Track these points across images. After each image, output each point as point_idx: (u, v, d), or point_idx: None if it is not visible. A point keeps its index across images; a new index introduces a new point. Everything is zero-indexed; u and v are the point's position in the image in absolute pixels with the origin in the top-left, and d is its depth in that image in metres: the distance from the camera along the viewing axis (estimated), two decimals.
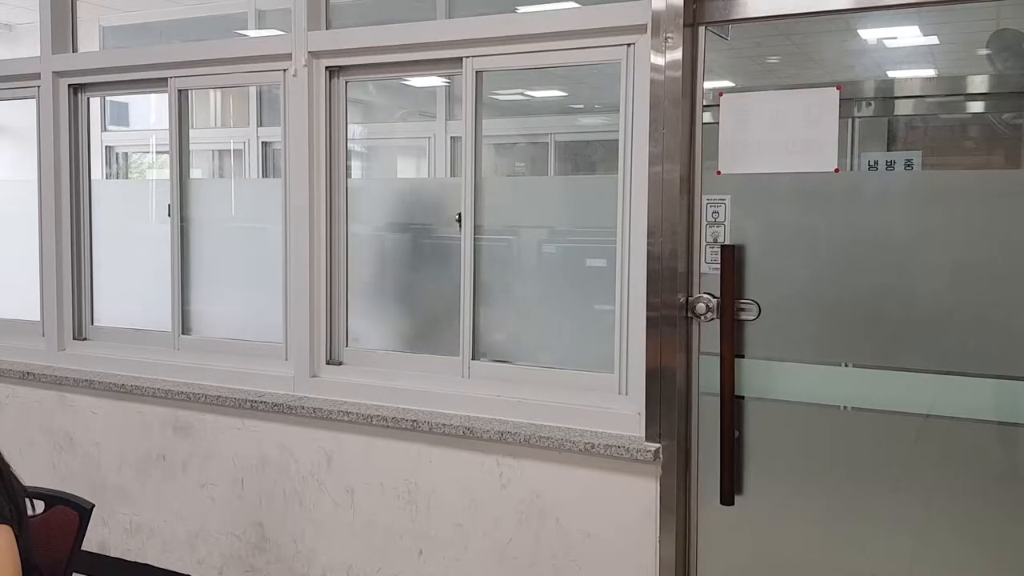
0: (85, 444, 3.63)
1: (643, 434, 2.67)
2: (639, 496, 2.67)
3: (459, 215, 3.02)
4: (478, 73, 2.96)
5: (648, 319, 2.64)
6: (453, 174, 5.07)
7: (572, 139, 5.99)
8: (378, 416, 3.03)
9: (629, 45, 2.73)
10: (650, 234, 2.62)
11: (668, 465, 2.65)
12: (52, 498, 2.19)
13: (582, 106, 6.40)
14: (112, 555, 3.58)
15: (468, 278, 3.01)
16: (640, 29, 2.68)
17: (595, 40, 2.79)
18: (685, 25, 2.59)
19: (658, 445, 2.63)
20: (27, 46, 4.30)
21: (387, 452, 3.05)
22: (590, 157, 5.85)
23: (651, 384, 2.65)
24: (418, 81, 3.71)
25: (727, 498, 2.63)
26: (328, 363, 3.28)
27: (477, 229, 3.01)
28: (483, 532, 2.91)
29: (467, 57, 2.96)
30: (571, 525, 2.78)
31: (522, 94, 5.97)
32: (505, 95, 5.56)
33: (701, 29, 2.63)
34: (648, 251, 2.63)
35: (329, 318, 3.28)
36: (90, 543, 3.57)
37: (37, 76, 3.80)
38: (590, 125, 5.95)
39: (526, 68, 2.95)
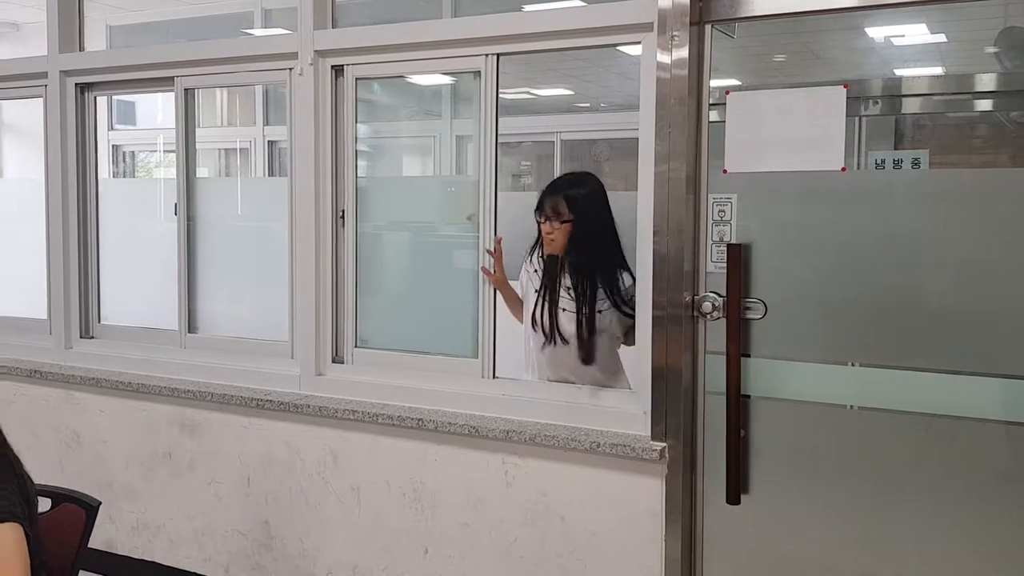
0: (92, 442, 3.64)
1: (649, 433, 2.67)
2: (645, 495, 2.67)
3: (471, 215, 3.03)
4: (496, 68, 2.95)
5: (654, 318, 2.64)
6: (458, 173, 5.08)
7: (578, 138, 5.98)
8: (384, 415, 3.03)
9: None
10: (656, 233, 2.62)
11: (674, 464, 2.64)
12: (59, 496, 2.19)
13: (588, 104, 6.39)
14: (119, 552, 3.59)
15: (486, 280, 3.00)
16: (646, 27, 2.67)
17: (602, 38, 2.79)
18: (691, 23, 2.58)
19: (664, 444, 2.63)
20: (34, 45, 4.32)
21: (393, 451, 3.05)
22: (597, 156, 5.84)
23: (657, 383, 2.65)
24: (424, 80, 3.71)
25: (733, 497, 2.63)
26: (334, 362, 3.29)
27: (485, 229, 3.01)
28: (489, 531, 2.91)
29: (480, 55, 2.95)
30: (577, 524, 2.78)
31: (528, 92, 5.96)
32: (511, 94, 5.55)
33: (707, 27, 2.62)
34: (654, 250, 2.62)
35: (335, 317, 3.28)
36: (97, 541, 3.58)
37: (44, 75, 3.81)
38: (597, 123, 5.94)
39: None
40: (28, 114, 5.08)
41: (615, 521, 2.72)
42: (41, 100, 3.87)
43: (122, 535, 3.58)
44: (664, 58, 2.61)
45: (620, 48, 2.97)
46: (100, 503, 2.17)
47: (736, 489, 2.62)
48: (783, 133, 2.52)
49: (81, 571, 2.14)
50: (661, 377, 2.64)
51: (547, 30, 2.85)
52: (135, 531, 3.56)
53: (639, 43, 2.72)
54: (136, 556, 3.56)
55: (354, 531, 3.13)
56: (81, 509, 2.15)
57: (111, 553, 3.58)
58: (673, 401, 2.64)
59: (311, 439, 3.20)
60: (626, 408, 2.77)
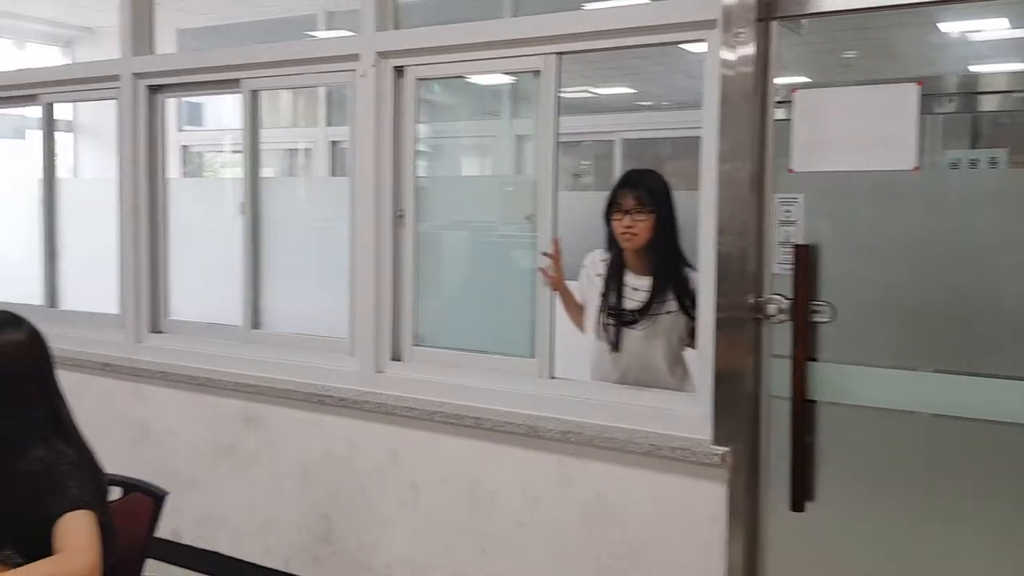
0: (160, 434, 3.73)
1: (710, 437, 2.62)
2: (706, 500, 2.62)
3: (529, 215, 3.01)
4: (557, 67, 2.93)
5: (717, 320, 2.59)
6: (517, 172, 5.07)
7: (639, 137, 5.90)
8: (441, 413, 3.04)
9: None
10: (719, 233, 2.57)
11: (736, 469, 2.59)
12: (129, 485, 2.25)
13: (650, 103, 6.30)
14: (184, 542, 3.66)
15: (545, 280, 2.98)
16: (710, 24, 2.63)
17: (665, 36, 2.75)
18: (757, 20, 2.53)
19: (726, 448, 2.58)
20: (107, 49, 4.44)
21: (450, 449, 3.06)
22: (659, 155, 5.75)
23: (719, 386, 2.60)
24: (483, 79, 3.71)
25: (798, 504, 2.57)
26: (393, 360, 3.31)
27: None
28: (546, 532, 2.90)
29: (541, 54, 2.94)
30: (635, 527, 2.75)
31: (587, 91, 5.90)
32: (571, 92, 5.52)
33: (773, 24, 2.57)
34: (717, 251, 2.58)
35: (394, 315, 3.30)
36: (164, 530, 3.64)
37: (117, 78, 3.91)
38: (658, 122, 5.86)
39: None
40: (101, 116, 5.24)
41: (675, 525, 2.68)
42: (114, 102, 3.97)
43: (187, 525, 3.66)
44: (728, 55, 2.56)
45: (683, 45, 2.93)
46: (167, 493, 2.21)
47: (801, 496, 2.56)
48: (853, 131, 2.45)
49: (148, 559, 2.18)
50: (723, 380, 2.60)
51: (609, 28, 2.82)
52: (200, 522, 3.64)
53: (703, 41, 2.68)
54: (201, 546, 3.64)
55: (412, 527, 3.15)
56: (149, 498, 2.20)
57: (177, 543, 3.66)
58: (735, 405, 2.59)
59: (370, 435, 3.22)
60: (687, 411, 2.73)
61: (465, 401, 3.07)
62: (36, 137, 4.38)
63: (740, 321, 2.57)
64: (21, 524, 1.82)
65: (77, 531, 1.78)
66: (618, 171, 5.54)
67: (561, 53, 2.92)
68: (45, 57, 5.97)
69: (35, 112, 4.30)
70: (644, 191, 2.89)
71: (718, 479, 2.60)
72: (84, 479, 1.90)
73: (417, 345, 3.28)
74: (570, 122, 5.35)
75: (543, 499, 2.89)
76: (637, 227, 2.89)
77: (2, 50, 5.48)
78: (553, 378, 2.99)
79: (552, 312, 3.00)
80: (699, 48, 2.71)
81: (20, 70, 4.51)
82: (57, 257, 4.30)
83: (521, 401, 2.98)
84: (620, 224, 2.92)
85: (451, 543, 3.08)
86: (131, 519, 2.15)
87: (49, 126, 4.29)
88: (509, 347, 3.11)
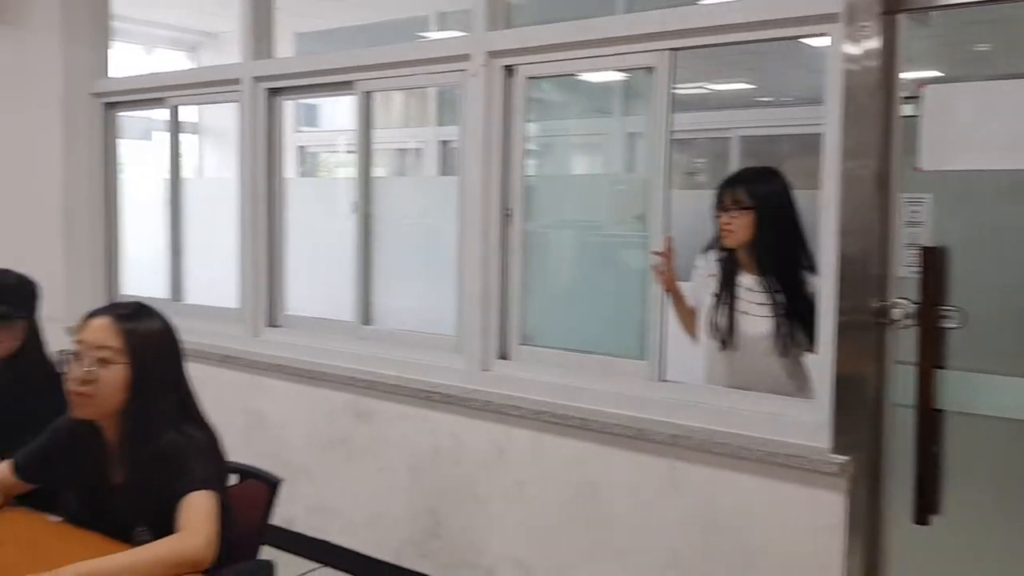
0: (275, 425, 3.85)
1: (829, 445, 2.53)
2: (824, 510, 2.53)
3: (640, 214, 2.98)
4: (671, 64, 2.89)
5: (838, 324, 2.50)
6: (628, 171, 5.01)
7: (758, 134, 5.72)
8: (548, 413, 3.04)
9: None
10: (841, 234, 2.48)
11: (856, 479, 2.50)
12: (245, 472, 2.32)
13: (770, 98, 6.09)
14: (297, 530, 3.77)
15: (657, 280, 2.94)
16: (833, 18, 2.54)
17: (785, 30, 2.67)
18: (882, 12, 2.43)
19: (846, 458, 2.49)
20: (229, 53, 4.61)
21: (557, 449, 3.05)
22: (777, 153, 5.57)
23: (840, 392, 2.51)
24: (594, 77, 3.69)
25: (921, 517, 2.45)
26: (500, 358, 3.32)
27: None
28: (654, 536, 2.86)
29: (655, 51, 2.90)
30: (748, 536, 2.68)
31: (703, 87, 5.76)
32: (685, 89, 5.41)
33: (900, 16, 2.46)
34: (839, 252, 2.49)
35: (501, 314, 3.31)
36: (278, 517, 3.76)
37: (238, 81, 4.05)
38: (778, 119, 5.65)
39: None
40: (223, 117, 5.45)
41: (790, 535, 2.60)
42: (234, 104, 4.12)
43: (300, 514, 3.77)
44: (852, 50, 2.47)
45: (804, 39, 2.84)
46: (282, 480, 2.28)
47: (925, 509, 2.45)
48: (987, 128, 2.32)
49: (263, 545, 2.25)
50: (844, 387, 2.50)
51: (726, 23, 2.76)
52: (312, 511, 3.74)
53: (825, 35, 2.59)
54: (313, 535, 3.74)
55: (518, 526, 3.16)
56: (264, 485, 2.26)
57: (290, 531, 3.77)
58: (856, 412, 2.49)
59: (477, 433, 3.25)
60: (805, 418, 2.64)
61: (572, 401, 3.06)
62: (163, 139, 4.59)
63: (863, 325, 2.47)
64: (152, 503, 1.91)
65: (197, 511, 1.85)
66: (734, 169, 5.40)
67: (676, 49, 2.87)
68: (172, 62, 6.24)
69: (162, 115, 4.51)
70: (743, 189, 2.82)
71: (837, 489, 2.51)
72: (209, 462, 1.99)
73: (524, 344, 3.29)
74: (684, 119, 5.23)
75: (652, 503, 2.85)
76: (734, 224, 2.83)
77: (132, 56, 5.77)
78: (664, 380, 2.94)
79: (664, 313, 2.95)
80: (821, 42, 2.62)
81: (148, 74, 4.73)
82: (182, 253, 4.49)
83: (630, 403, 2.94)
84: (721, 221, 2.87)
85: (557, 543, 3.07)
86: (247, 505, 2.21)
87: (175, 128, 4.48)
88: (618, 348, 3.08)
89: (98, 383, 1.91)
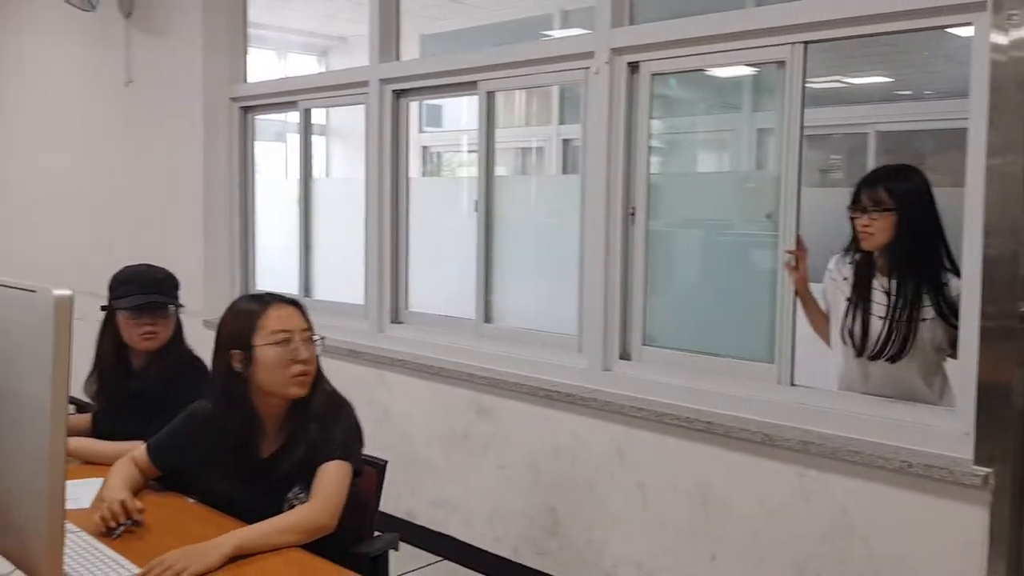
0: (399, 419, 3.95)
1: (971, 456, 2.40)
2: (964, 524, 2.41)
3: (770, 213, 2.90)
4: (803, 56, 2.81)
5: (982, 329, 2.37)
6: (758, 168, 4.89)
7: (897, 129, 5.44)
8: (671, 415, 3.00)
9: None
10: (987, 234, 2.35)
11: (1000, 492, 2.36)
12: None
13: (910, 92, 5.79)
14: (418, 523, 3.86)
15: (788, 281, 2.86)
16: (979, 6, 2.41)
17: (926, 20, 2.55)
18: None
19: (989, 469, 2.36)
20: (358, 57, 4.75)
21: (680, 451, 3.01)
22: (918, 149, 5.28)
23: (983, 401, 2.38)
24: (721, 72, 3.61)
25: None
26: (621, 358, 3.30)
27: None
28: (781, 544, 2.78)
29: (786, 44, 2.82)
30: (882, 548, 2.58)
31: (839, 81, 5.54)
32: (819, 82, 5.22)
33: None
34: (984, 254, 2.36)
35: (623, 313, 3.29)
36: (399, 510, 3.88)
37: (366, 84, 4.17)
38: (919, 113, 5.35)
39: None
40: (349, 119, 5.61)
41: (927, 548, 2.49)
42: (361, 106, 4.23)
43: (422, 507, 3.85)
44: (999, 39, 2.34)
45: (947, 30, 2.71)
46: (387, 462, 2.37)
47: None
48: None
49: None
50: (988, 395, 2.37)
51: (863, 14, 2.66)
52: (434, 505, 3.81)
53: (970, 24, 2.46)
54: (434, 528, 3.81)
55: (639, 528, 3.13)
56: (372, 468, 2.35)
57: (412, 522, 3.86)
58: (1001, 422, 2.36)
59: (597, 433, 3.24)
60: (944, 427, 2.52)
61: (696, 404, 3.02)
62: (294, 140, 4.77)
63: (1008, 331, 2.34)
64: (305, 465, 2.07)
65: (330, 480, 2.03)
66: (871, 166, 5.16)
67: (808, 42, 2.79)
68: (303, 66, 6.48)
69: (294, 117, 4.68)
70: (883, 188, 2.66)
71: (979, 502, 2.39)
72: (351, 432, 2.16)
73: (647, 344, 3.26)
74: (818, 114, 5.04)
75: (779, 510, 2.78)
76: (873, 227, 2.67)
77: (267, 61, 6.02)
78: (793, 385, 2.86)
79: (793, 315, 2.87)
80: (965, 32, 2.49)
81: (282, 79, 4.93)
82: (311, 250, 4.66)
83: (757, 407, 2.88)
84: (858, 223, 2.73)
85: (679, 547, 3.03)
86: (362, 488, 2.29)
87: (306, 130, 4.65)
88: (745, 350, 3.01)
89: (313, 360, 2.13)
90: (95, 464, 2.37)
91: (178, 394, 2.41)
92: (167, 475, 2.28)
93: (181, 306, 2.69)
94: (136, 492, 2.15)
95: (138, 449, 2.26)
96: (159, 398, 2.50)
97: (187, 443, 2.21)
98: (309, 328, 2.15)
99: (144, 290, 2.61)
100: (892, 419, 2.62)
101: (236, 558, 1.82)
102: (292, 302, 2.18)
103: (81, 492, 2.14)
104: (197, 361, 2.65)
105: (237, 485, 2.12)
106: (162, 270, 2.72)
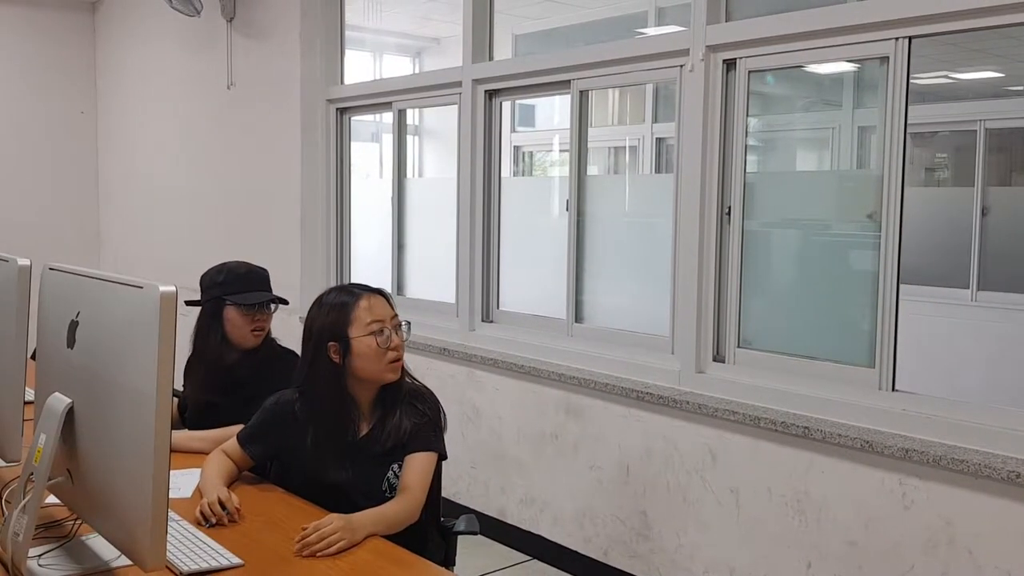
0: (489, 417, 3.97)
1: None
2: None
3: (871, 213, 2.81)
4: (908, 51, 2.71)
5: None
6: (859, 167, 4.73)
7: (1009, 126, 5.17)
8: (766, 419, 2.94)
9: None
10: None
11: None
12: None
13: (1022, 88, 5.51)
14: (509, 522, 3.88)
15: (890, 284, 2.77)
16: None
17: None
18: None
19: None
20: (451, 57, 4.80)
21: (774, 456, 2.94)
22: None
23: None
24: (821, 68, 3.50)
25: None
26: (715, 360, 3.25)
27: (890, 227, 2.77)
28: (880, 554, 2.69)
29: (889, 39, 2.72)
30: (988, 560, 2.46)
31: (946, 76, 5.31)
32: (924, 78, 5.01)
33: None
34: None
35: (717, 315, 3.24)
36: (490, 508, 3.90)
37: (459, 84, 4.21)
38: None
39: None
40: (442, 118, 5.68)
41: None
42: (454, 107, 4.28)
43: (512, 506, 3.87)
44: None
45: None
46: (447, 456, 2.36)
47: None
48: None
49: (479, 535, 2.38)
50: None
51: (969, 7, 2.55)
52: (524, 504, 3.83)
53: None
54: (524, 527, 3.83)
55: (732, 533, 3.08)
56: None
57: (502, 521, 3.88)
58: None
59: (689, 435, 3.19)
60: None
61: (792, 408, 2.94)
62: (389, 141, 4.85)
63: None
64: (398, 443, 2.17)
65: (418, 472, 2.13)
66: (981, 164, 4.89)
67: (912, 37, 2.68)
68: (398, 67, 6.58)
69: (388, 118, 4.76)
70: None
71: None
72: (438, 422, 2.22)
73: (741, 347, 3.20)
74: (924, 111, 4.84)
75: (879, 519, 2.69)
76: None
77: (362, 62, 6.13)
78: (894, 390, 2.76)
79: (896, 318, 2.76)
80: None
81: (376, 80, 5.02)
82: (405, 249, 4.74)
83: (857, 413, 2.79)
84: None
85: (774, 554, 2.96)
86: None
87: (401, 130, 4.73)
88: (844, 354, 2.92)
89: (402, 347, 2.21)
90: (189, 453, 2.45)
91: (272, 384, 2.48)
92: (259, 465, 2.35)
93: (286, 303, 2.78)
94: (230, 484, 2.21)
95: (228, 442, 2.33)
96: (254, 389, 2.57)
97: (279, 432, 2.27)
98: (396, 315, 2.22)
99: (261, 287, 2.74)
100: (1001, 428, 2.50)
101: None
102: (377, 291, 2.24)
103: (183, 481, 2.23)
104: (290, 353, 2.72)
105: (339, 468, 2.18)
106: (263, 268, 2.82)
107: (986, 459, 2.45)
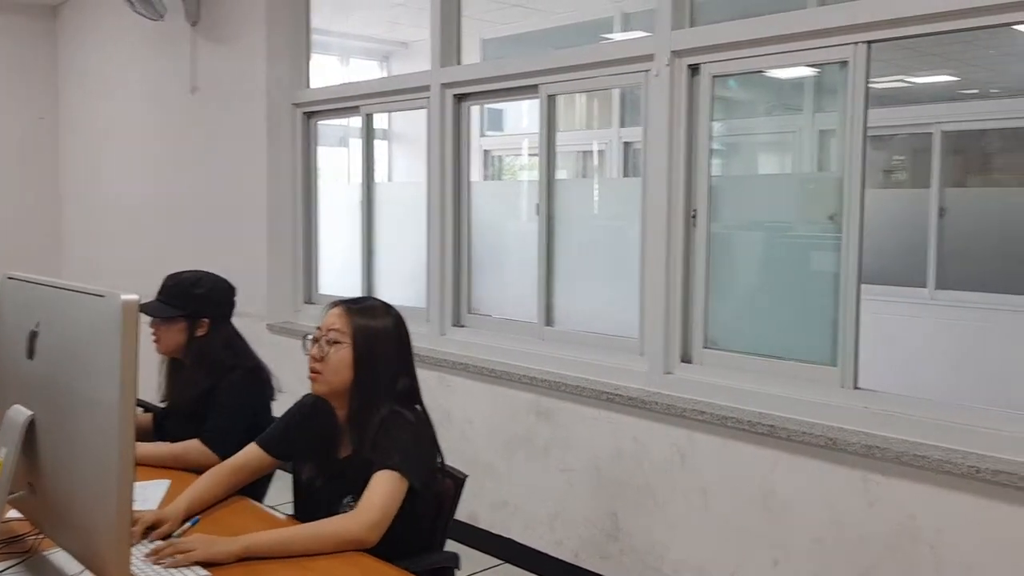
0: (460, 421, 3.98)
1: None
2: None
3: (832, 215, 2.85)
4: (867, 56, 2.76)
5: None
6: (820, 170, 4.80)
7: (963, 128, 5.29)
8: (733, 418, 2.97)
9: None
10: None
11: None
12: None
13: (976, 91, 5.63)
14: (480, 526, 3.88)
15: (852, 283, 2.82)
16: None
17: (992, 18, 2.49)
18: None
19: None
20: (419, 62, 4.80)
21: (742, 455, 2.98)
22: (986, 148, 5.12)
23: None
24: (782, 73, 3.55)
25: None
26: (683, 361, 3.28)
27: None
28: (845, 550, 2.73)
29: (849, 44, 2.77)
30: (949, 555, 2.51)
31: (903, 80, 5.41)
32: (882, 82, 5.09)
33: None
34: None
35: (684, 316, 3.27)
36: (462, 513, 3.89)
37: (427, 88, 4.21)
38: (986, 112, 5.19)
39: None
40: (411, 123, 5.68)
41: (995, 556, 2.42)
42: (423, 111, 4.28)
43: (483, 510, 3.87)
44: None
45: (1015, 26, 2.63)
46: (467, 476, 2.34)
47: None
48: None
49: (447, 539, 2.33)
50: None
51: (926, 12, 2.60)
52: (495, 508, 3.83)
53: None
54: (495, 532, 3.83)
55: (701, 532, 3.11)
56: (451, 481, 2.33)
57: (473, 526, 3.89)
58: None
59: (658, 436, 3.22)
60: (1015, 431, 2.45)
61: (758, 407, 2.98)
62: (357, 145, 4.84)
63: None
64: (362, 475, 2.04)
65: (378, 491, 1.97)
66: (937, 166, 4.98)
67: (872, 42, 2.73)
68: (365, 71, 6.57)
69: (356, 122, 4.75)
70: None
71: None
72: (413, 445, 2.09)
73: (708, 347, 3.23)
74: (882, 114, 4.93)
75: (844, 516, 2.73)
76: None
77: (329, 66, 6.12)
78: (857, 388, 2.81)
79: (857, 317, 2.81)
80: None
81: (344, 84, 5.00)
82: (375, 254, 4.72)
83: (821, 411, 2.83)
84: None
85: (742, 552, 3.00)
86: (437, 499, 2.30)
87: (369, 134, 4.72)
88: (807, 353, 2.97)
89: (327, 361, 2.11)
90: (149, 466, 2.42)
91: (216, 398, 2.51)
92: (285, 461, 2.32)
93: (189, 314, 2.63)
94: (218, 499, 2.19)
95: (246, 449, 2.29)
96: (202, 403, 2.56)
97: (296, 430, 2.28)
98: (334, 328, 2.12)
99: (156, 296, 2.65)
100: (960, 423, 2.55)
101: (290, 559, 1.86)
102: (344, 305, 2.18)
103: (148, 493, 2.21)
104: (229, 362, 2.63)
105: (321, 480, 2.19)
106: (187, 276, 2.69)
107: (946, 455, 2.50)
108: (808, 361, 2.95)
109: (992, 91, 5.65)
